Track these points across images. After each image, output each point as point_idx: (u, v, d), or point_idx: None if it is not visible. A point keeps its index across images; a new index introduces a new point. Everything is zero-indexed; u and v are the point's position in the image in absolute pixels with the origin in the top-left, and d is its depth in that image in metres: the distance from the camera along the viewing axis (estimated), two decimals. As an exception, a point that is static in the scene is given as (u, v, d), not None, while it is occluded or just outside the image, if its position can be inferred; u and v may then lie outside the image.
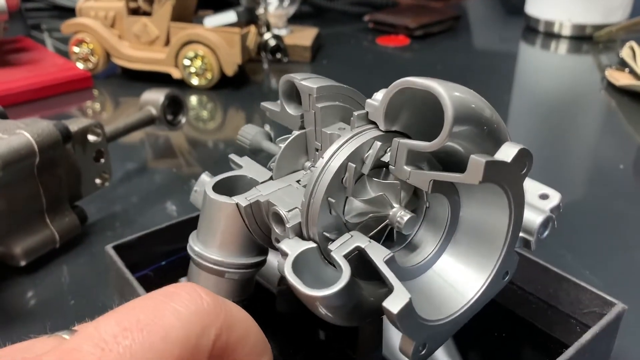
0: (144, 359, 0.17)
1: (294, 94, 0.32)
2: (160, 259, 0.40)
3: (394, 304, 0.22)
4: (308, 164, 0.31)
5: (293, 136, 0.30)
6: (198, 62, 0.77)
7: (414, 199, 0.28)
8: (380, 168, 0.27)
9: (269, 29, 0.87)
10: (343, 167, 0.25)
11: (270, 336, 0.33)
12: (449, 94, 0.22)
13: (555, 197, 0.32)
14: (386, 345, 0.34)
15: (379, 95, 0.27)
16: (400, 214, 0.26)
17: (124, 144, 0.63)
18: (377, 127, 0.26)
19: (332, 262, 0.25)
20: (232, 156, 0.33)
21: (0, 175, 0.38)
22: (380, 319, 0.31)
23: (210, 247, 0.30)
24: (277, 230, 0.27)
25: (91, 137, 0.47)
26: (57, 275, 0.43)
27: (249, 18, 0.81)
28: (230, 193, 0.30)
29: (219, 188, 0.30)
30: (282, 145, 0.30)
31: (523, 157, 0.24)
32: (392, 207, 0.26)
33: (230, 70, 0.77)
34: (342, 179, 0.25)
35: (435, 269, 0.28)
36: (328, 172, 0.25)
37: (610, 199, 0.55)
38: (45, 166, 0.42)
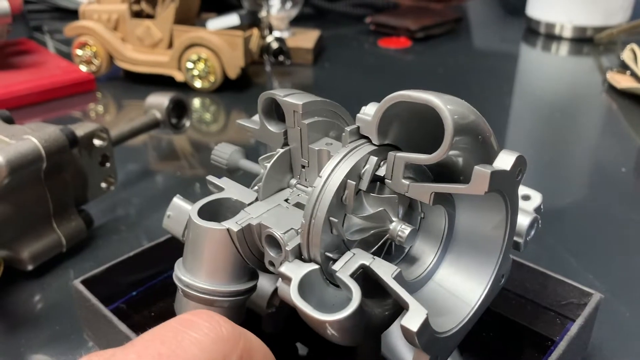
0: None
1: (273, 111, 0.31)
2: (131, 290, 0.39)
3: (412, 321, 0.22)
4: (294, 181, 0.30)
5: (278, 154, 0.29)
6: (201, 65, 0.77)
7: (409, 211, 0.28)
8: (374, 182, 0.26)
9: (271, 31, 0.87)
10: (342, 185, 0.25)
11: None
12: (447, 107, 0.22)
13: (536, 198, 0.33)
14: (386, 345, 0.34)
15: (370, 109, 0.27)
16: (400, 228, 0.26)
17: (127, 146, 0.63)
18: (370, 141, 0.26)
19: (334, 283, 0.25)
20: (211, 178, 0.32)
21: (8, 181, 0.38)
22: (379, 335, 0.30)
23: (198, 275, 0.29)
24: (271, 253, 0.26)
25: (97, 142, 0.47)
26: (64, 280, 0.43)
27: (252, 21, 0.82)
28: (215, 217, 0.28)
29: (203, 213, 0.29)
30: (267, 165, 0.29)
31: (519, 164, 0.24)
32: (392, 221, 0.26)
33: (233, 73, 0.77)
34: (342, 197, 0.25)
35: (436, 280, 0.28)
36: (328, 191, 0.25)
37: (613, 202, 0.55)
38: (52, 171, 0.42)
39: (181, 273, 0.29)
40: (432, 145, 0.23)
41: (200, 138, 0.70)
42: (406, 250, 0.29)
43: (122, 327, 0.31)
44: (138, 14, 0.81)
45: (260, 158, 0.31)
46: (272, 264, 0.26)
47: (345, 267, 0.24)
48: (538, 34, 1.12)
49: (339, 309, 0.22)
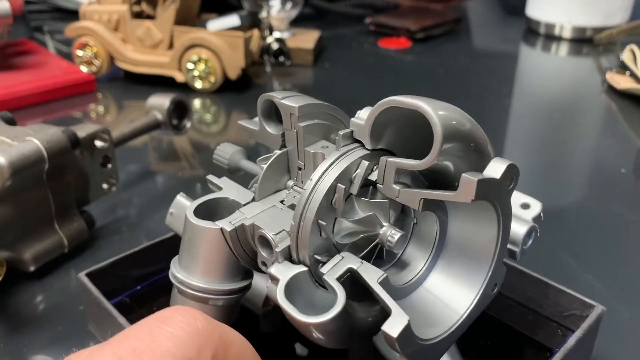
0: None
1: (272, 113, 0.31)
2: (135, 284, 0.39)
3: (393, 327, 0.22)
4: (290, 182, 0.30)
5: (275, 156, 0.30)
6: (202, 66, 0.78)
7: (402, 216, 0.28)
8: (367, 187, 0.26)
9: (271, 32, 0.87)
10: (332, 189, 0.25)
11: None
12: (437, 113, 0.22)
13: (536, 206, 0.32)
14: (387, 348, 0.34)
15: (364, 114, 0.27)
16: (390, 233, 0.26)
17: (128, 147, 0.63)
18: (362, 145, 0.26)
19: (323, 285, 0.25)
20: (211, 177, 0.32)
21: (11, 182, 0.38)
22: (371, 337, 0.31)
23: (193, 273, 0.29)
24: (263, 254, 0.26)
25: (98, 143, 0.47)
26: (66, 280, 0.43)
27: (252, 22, 0.82)
28: (211, 216, 0.29)
29: (199, 212, 0.29)
30: (264, 166, 0.30)
31: (511, 172, 0.24)
32: (382, 226, 0.26)
33: (233, 74, 0.78)
34: (332, 200, 0.25)
35: (426, 286, 0.28)
36: (317, 194, 0.25)
37: (612, 202, 0.56)
38: (54, 172, 0.42)
39: (177, 270, 0.30)
40: (426, 152, 0.23)
41: (201, 139, 0.70)
42: (398, 256, 0.29)
43: (121, 320, 0.32)
44: (138, 15, 0.81)
45: (259, 159, 0.31)
46: (264, 264, 0.26)
47: (333, 270, 0.24)
48: (538, 34, 1.12)
49: (327, 311, 0.22)
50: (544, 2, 1.10)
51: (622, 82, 0.82)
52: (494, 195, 0.24)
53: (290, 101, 0.29)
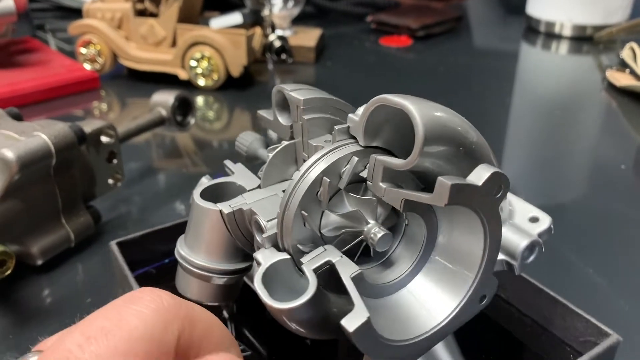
0: None
1: (286, 104, 0.32)
2: (163, 257, 0.41)
3: (351, 322, 0.22)
4: (297, 173, 0.31)
5: (282, 146, 0.30)
6: (204, 63, 0.78)
7: (393, 216, 0.28)
8: (360, 183, 0.26)
9: (274, 30, 0.88)
10: (318, 181, 0.25)
11: (262, 339, 0.34)
12: (421, 113, 0.22)
13: (545, 221, 0.31)
14: None
15: (361, 110, 0.27)
16: (374, 231, 0.26)
17: (130, 144, 0.63)
18: (357, 142, 0.26)
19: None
20: (227, 162, 0.33)
21: (19, 177, 0.39)
22: None
23: (196, 252, 0.30)
24: (258, 239, 0.27)
25: (104, 139, 0.47)
26: (72, 274, 0.44)
27: (255, 19, 0.82)
28: (218, 199, 0.30)
29: (207, 194, 0.30)
30: (270, 155, 0.30)
31: (496, 180, 0.23)
32: (368, 223, 0.26)
33: (236, 71, 0.78)
34: (317, 192, 0.25)
35: (409, 288, 0.28)
36: (303, 185, 0.25)
37: (612, 198, 0.56)
38: (61, 167, 0.42)
39: (181, 248, 0.31)
40: (411, 154, 0.23)
41: (204, 136, 0.71)
42: (388, 255, 0.29)
43: (135, 287, 0.33)
44: (142, 13, 0.82)
45: (269, 148, 0.32)
46: (259, 248, 0.27)
47: (312, 261, 0.24)
48: (538, 32, 1.12)
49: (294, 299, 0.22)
50: (544, 0, 1.11)
51: (622, 80, 0.82)
52: (476, 203, 0.23)
53: (297, 94, 0.29)
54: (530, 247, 0.29)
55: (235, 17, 0.80)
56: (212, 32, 0.77)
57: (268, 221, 0.27)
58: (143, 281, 0.34)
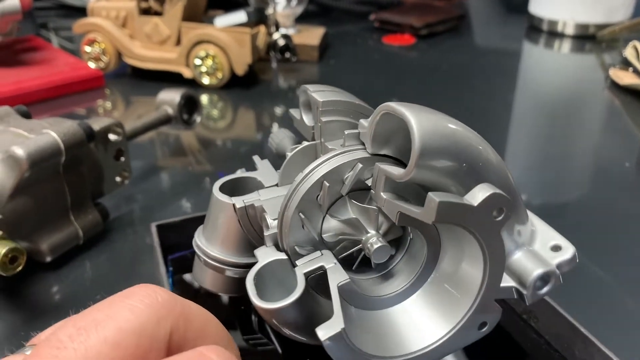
0: (99, 351, 0.18)
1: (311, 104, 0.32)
2: None
3: (325, 330, 0.21)
4: None
5: (302, 146, 0.30)
6: (209, 62, 0.78)
7: (398, 229, 0.27)
8: (366, 191, 0.26)
9: (277, 28, 0.88)
10: (318, 185, 0.25)
11: (275, 335, 0.34)
12: (420, 123, 0.21)
13: (568, 250, 0.28)
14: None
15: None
16: (372, 241, 0.25)
17: (136, 143, 0.64)
18: (365, 149, 0.26)
19: None
20: (255, 158, 0.34)
21: (29, 174, 0.39)
22: None
23: (212, 243, 0.31)
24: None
25: (112, 136, 0.48)
26: (80, 271, 0.44)
27: (259, 18, 0.82)
28: (237, 193, 0.30)
29: (227, 187, 0.31)
30: (289, 154, 0.30)
31: (495, 202, 0.22)
32: (367, 232, 0.26)
33: (240, 70, 0.78)
34: (317, 196, 0.25)
35: (404, 306, 0.27)
36: (303, 187, 0.25)
37: (616, 196, 0.56)
38: (70, 165, 0.43)
39: (199, 238, 0.32)
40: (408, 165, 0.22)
41: (208, 134, 0.71)
42: (389, 268, 0.28)
43: (162, 268, 0.35)
44: (146, 11, 0.82)
45: (291, 147, 0.32)
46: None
47: (306, 264, 0.24)
48: (540, 31, 1.12)
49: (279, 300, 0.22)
50: (547, -1, 1.11)
51: (625, 78, 0.82)
52: (471, 224, 0.22)
53: (318, 95, 0.29)
54: (545, 277, 0.26)
55: (240, 16, 0.80)
56: (217, 30, 0.77)
57: (274, 219, 0.27)
58: (178, 264, 0.37)
